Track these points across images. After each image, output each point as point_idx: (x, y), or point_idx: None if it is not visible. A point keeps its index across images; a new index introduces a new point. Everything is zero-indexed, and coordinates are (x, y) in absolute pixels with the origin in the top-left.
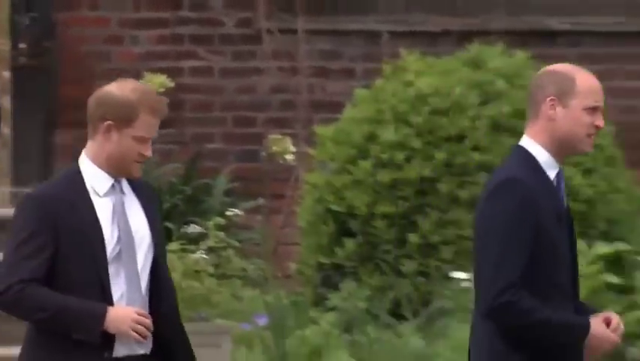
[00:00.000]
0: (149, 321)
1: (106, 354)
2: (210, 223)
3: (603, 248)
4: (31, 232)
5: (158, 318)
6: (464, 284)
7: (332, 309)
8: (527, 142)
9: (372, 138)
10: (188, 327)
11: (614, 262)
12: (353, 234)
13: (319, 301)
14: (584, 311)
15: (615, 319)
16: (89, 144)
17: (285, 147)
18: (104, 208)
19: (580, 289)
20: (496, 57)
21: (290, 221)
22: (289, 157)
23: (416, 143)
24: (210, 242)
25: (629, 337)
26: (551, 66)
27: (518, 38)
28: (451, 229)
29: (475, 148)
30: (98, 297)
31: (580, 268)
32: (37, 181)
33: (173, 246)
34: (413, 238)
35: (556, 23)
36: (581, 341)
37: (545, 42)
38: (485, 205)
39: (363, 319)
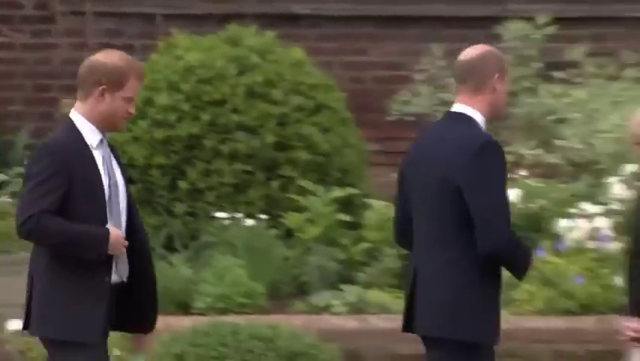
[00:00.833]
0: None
1: (106, 278)
2: (13, 172)
3: (337, 192)
4: (48, 175)
5: (132, 249)
6: (225, 222)
7: None
8: (467, 109)
9: (149, 102)
10: None
11: (346, 204)
12: (133, 182)
13: None
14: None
15: None
16: (79, 105)
17: None
18: (97, 159)
19: (318, 225)
20: (251, 36)
21: None
22: None
23: (185, 106)
24: (13, 188)
25: (358, 264)
26: (489, 47)
27: (268, 20)
28: (214, 177)
29: (234, 111)
30: None
31: (318, 208)
32: None
33: None
34: (183, 184)
35: (299, 8)
36: None
37: (290, 24)
38: (478, 161)
39: None
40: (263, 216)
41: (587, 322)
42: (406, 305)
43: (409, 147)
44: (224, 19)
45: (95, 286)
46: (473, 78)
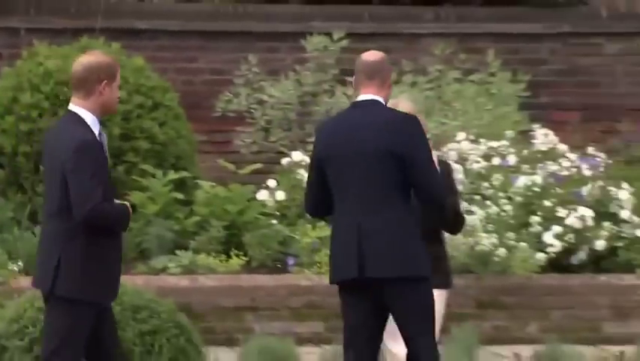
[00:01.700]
0: None
1: (121, 247)
2: None
3: (173, 175)
4: (95, 169)
5: None
6: None
7: None
8: (375, 97)
9: (15, 100)
10: None
11: (180, 185)
12: (2, 166)
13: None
14: None
15: None
16: (80, 101)
17: None
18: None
19: (157, 202)
20: (100, 47)
21: None
22: None
23: (45, 104)
24: None
25: (190, 234)
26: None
27: (115, 34)
28: None
29: None
30: None
31: (157, 188)
32: None
33: None
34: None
35: (140, 24)
36: None
37: (133, 37)
38: (416, 137)
39: (9, 224)
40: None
41: None
42: (356, 256)
43: (321, 135)
44: (77, 32)
45: (117, 254)
46: (380, 75)
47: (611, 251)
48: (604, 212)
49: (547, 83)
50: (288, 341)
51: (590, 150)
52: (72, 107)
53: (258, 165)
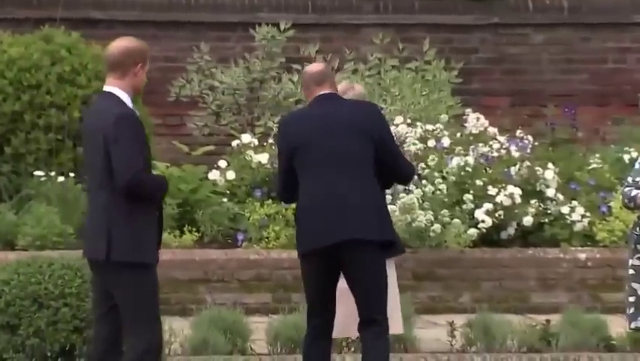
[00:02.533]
0: None
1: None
2: None
3: None
4: (135, 139)
5: None
6: (42, 179)
7: None
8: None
9: None
10: None
11: None
12: None
13: None
14: None
15: None
16: (116, 82)
17: None
18: None
19: None
20: (60, 35)
21: None
22: None
23: (9, 89)
24: None
25: None
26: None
27: (74, 23)
28: (33, 144)
29: (48, 93)
30: None
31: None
32: None
33: None
34: (8, 150)
35: (98, 14)
36: None
37: (91, 26)
38: (383, 121)
39: None
40: (71, 175)
41: None
42: (332, 223)
43: (289, 126)
44: (39, 22)
45: (156, 220)
46: (329, 79)
47: (538, 227)
48: (531, 190)
49: (478, 70)
50: (237, 311)
51: (518, 132)
52: (107, 87)
53: (210, 147)
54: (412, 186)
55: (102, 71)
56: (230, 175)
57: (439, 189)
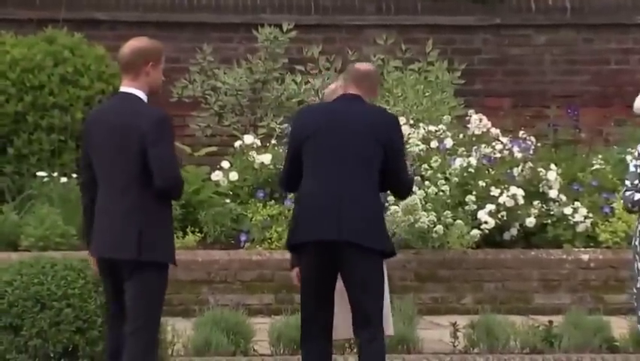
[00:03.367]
0: None
1: None
2: None
3: None
4: (172, 140)
5: None
6: (44, 180)
7: None
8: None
9: None
10: None
11: None
12: None
13: None
14: None
15: None
16: (131, 82)
17: None
18: None
19: None
20: (63, 36)
21: None
22: None
23: (12, 90)
24: None
25: None
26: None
27: (77, 24)
28: (35, 145)
29: (51, 94)
30: None
31: None
32: None
33: None
34: (11, 150)
35: (100, 15)
36: None
37: (94, 27)
38: (397, 133)
39: None
40: (74, 175)
41: None
42: (336, 219)
43: (301, 118)
44: (41, 23)
45: (172, 220)
46: (369, 82)
47: (540, 228)
48: (534, 191)
49: (481, 71)
50: (240, 312)
51: (521, 133)
52: (123, 88)
53: (212, 148)
54: (414, 187)
55: (105, 72)
56: (233, 176)
57: (442, 190)
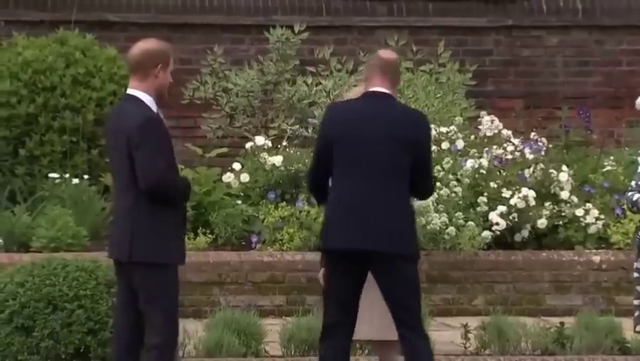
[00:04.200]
0: None
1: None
2: None
3: None
4: (158, 142)
5: None
6: (56, 181)
7: None
8: (385, 92)
9: None
10: None
11: None
12: None
13: None
14: None
15: None
16: (138, 84)
17: None
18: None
19: None
20: (75, 38)
21: None
22: None
23: (24, 91)
24: None
25: None
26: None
27: (88, 26)
28: (47, 146)
29: (62, 95)
30: None
31: None
32: None
33: None
34: (22, 152)
35: (112, 17)
36: None
37: (105, 29)
38: (427, 137)
39: None
40: (86, 177)
41: None
42: (361, 228)
43: (332, 117)
44: (53, 24)
45: (180, 222)
46: (392, 74)
47: (552, 229)
48: (545, 193)
49: (492, 72)
50: (251, 313)
51: (532, 135)
52: (130, 90)
53: (224, 149)
54: None
55: (116, 73)
56: (244, 177)
57: (454, 192)
